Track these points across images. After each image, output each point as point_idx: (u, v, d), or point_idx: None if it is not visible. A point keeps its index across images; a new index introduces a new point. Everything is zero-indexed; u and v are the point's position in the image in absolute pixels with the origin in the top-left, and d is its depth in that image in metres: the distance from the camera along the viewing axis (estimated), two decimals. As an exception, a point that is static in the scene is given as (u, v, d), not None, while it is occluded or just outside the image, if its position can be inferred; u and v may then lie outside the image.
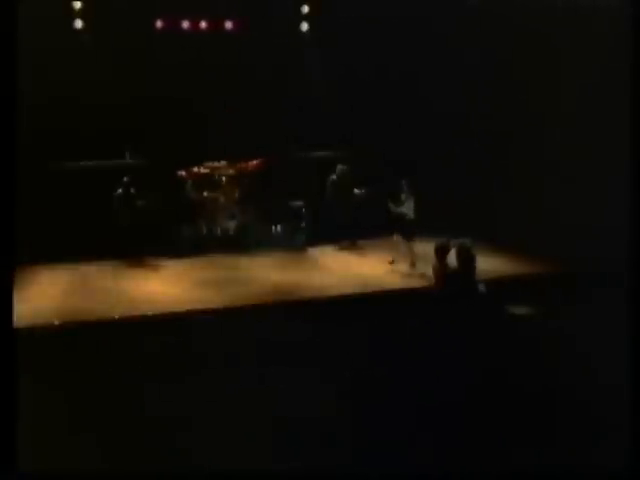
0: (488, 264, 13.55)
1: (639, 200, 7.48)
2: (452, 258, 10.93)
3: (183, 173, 16.25)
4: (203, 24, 16.17)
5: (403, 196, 14.21)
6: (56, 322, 11.52)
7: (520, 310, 10.88)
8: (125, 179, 14.93)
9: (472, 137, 16.15)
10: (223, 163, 16.47)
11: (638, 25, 7.76)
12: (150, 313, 11.85)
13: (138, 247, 15.11)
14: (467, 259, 12.71)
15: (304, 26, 17.02)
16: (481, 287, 11.26)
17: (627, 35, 7.89)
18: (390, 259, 14.69)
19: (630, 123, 7.70)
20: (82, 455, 6.55)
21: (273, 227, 16.63)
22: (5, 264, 6.14)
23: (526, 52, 14.68)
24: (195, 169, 16.29)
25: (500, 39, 15.01)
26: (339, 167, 15.95)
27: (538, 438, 7.13)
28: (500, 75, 15.39)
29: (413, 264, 14.22)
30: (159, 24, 15.89)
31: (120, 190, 14.90)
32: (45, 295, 13.00)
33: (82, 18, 15.48)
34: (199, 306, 12.31)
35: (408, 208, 14.14)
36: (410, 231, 14.20)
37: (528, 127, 15.30)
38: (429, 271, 13.41)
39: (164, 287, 13.60)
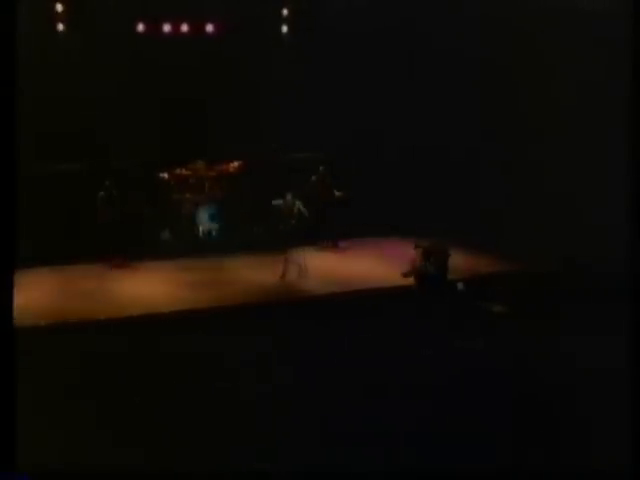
0: (467, 263, 13.90)
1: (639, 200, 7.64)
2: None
3: (165, 175, 16.35)
4: (184, 27, 16.19)
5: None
6: (42, 323, 11.62)
7: (497, 308, 11.10)
8: (107, 182, 14.98)
9: (464, 137, 16.28)
10: (204, 165, 16.58)
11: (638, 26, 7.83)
12: (136, 314, 11.96)
13: (122, 249, 15.18)
14: (444, 260, 13.04)
15: (284, 29, 17.13)
16: (460, 286, 11.52)
17: (627, 37, 7.99)
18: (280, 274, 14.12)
19: (630, 123, 7.83)
20: (81, 455, 6.61)
21: (255, 228, 16.75)
22: (5, 266, 6.20)
23: (526, 54, 14.84)
24: (177, 171, 16.40)
25: (496, 42, 15.18)
26: (320, 169, 16.09)
27: (537, 438, 7.24)
28: (494, 75, 15.56)
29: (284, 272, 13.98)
30: (140, 27, 15.90)
31: (103, 193, 14.94)
32: (33, 298, 12.86)
33: (64, 21, 15.46)
34: (183, 307, 12.44)
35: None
36: (294, 240, 14.04)
37: (525, 127, 15.45)
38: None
39: (148, 288, 13.69)
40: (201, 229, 16.50)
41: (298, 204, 14.30)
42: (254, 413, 7.96)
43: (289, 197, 14.33)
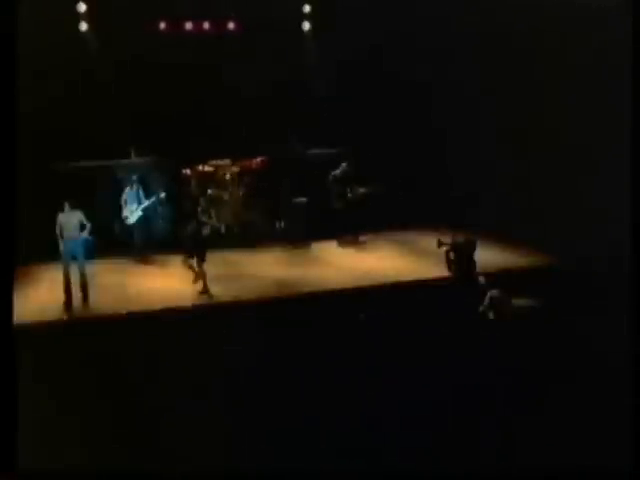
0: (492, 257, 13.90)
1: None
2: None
3: (188, 171, 16.49)
4: (206, 25, 16.32)
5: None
6: (65, 317, 11.86)
7: (521, 302, 11.05)
8: (133, 178, 15.22)
9: (474, 133, 16.24)
10: (227, 161, 16.69)
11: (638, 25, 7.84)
12: (157, 308, 12.11)
13: (147, 244, 15.44)
14: (471, 253, 13.17)
15: (306, 25, 17.19)
16: (481, 279, 11.53)
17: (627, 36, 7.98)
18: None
19: (632, 122, 7.82)
20: (82, 454, 6.65)
21: (277, 223, 16.84)
22: (5, 263, 6.33)
23: (528, 52, 14.77)
24: (199, 167, 16.52)
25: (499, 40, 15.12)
26: (342, 164, 16.16)
27: (538, 438, 7.24)
28: (501, 73, 15.45)
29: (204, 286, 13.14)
30: (162, 25, 16.05)
31: (127, 189, 15.18)
32: (53, 293, 13.01)
33: (87, 20, 15.66)
34: (204, 301, 12.61)
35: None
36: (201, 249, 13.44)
37: (530, 124, 15.30)
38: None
39: (170, 283, 13.78)
40: (223, 225, 16.60)
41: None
42: (271, 411, 8.00)
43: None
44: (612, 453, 6.68)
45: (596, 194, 13.31)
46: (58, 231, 12.55)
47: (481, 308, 10.78)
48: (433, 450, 7.06)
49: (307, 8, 17.10)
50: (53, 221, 12.60)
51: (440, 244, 13.58)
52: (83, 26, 15.64)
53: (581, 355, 8.85)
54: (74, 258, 12.68)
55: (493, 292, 10.73)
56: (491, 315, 10.71)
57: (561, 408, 7.80)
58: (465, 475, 6.83)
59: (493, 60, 15.34)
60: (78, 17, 15.59)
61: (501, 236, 14.95)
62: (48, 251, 13.33)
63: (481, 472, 6.79)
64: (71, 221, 12.61)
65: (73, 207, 12.65)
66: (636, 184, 7.44)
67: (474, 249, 13.24)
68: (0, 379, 5.78)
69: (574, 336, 9.42)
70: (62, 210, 12.62)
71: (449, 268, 13.39)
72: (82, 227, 12.67)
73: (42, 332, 10.56)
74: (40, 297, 12.92)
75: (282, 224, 16.78)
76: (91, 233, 12.80)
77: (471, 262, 13.14)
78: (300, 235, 16.43)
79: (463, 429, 7.43)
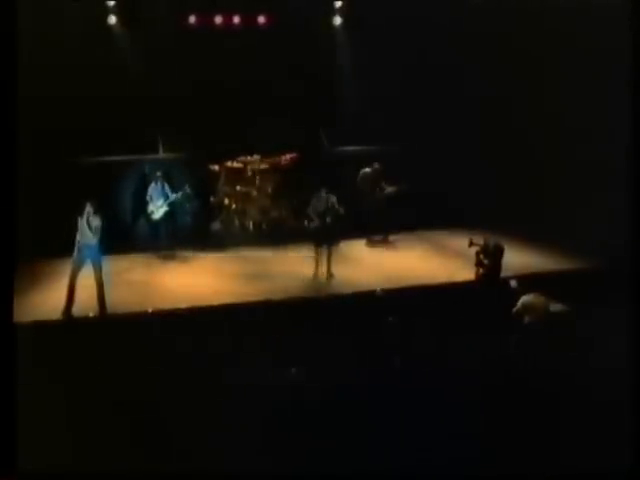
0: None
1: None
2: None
3: (216, 167, 16.39)
4: (236, 19, 16.23)
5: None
6: (91, 314, 11.76)
7: (556, 307, 10.77)
8: (158, 173, 15.13)
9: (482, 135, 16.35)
10: (256, 157, 16.55)
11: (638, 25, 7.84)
12: (183, 306, 11.89)
13: (171, 240, 15.32)
14: (499, 256, 12.98)
15: (337, 20, 17.00)
16: (513, 283, 11.26)
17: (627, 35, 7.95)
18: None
19: (632, 122, 7.72)
20: (83, 456, 6.60)
21: (305, 222, 16.66)
22: (6, 259, 6.25)
23: (529, 50, 14.97)
24: (228, 163, 16.41)
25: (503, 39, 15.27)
26: (374, 164, 16.02)
27: (539, 438, 7.17)
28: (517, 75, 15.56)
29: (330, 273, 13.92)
30: (192, 19, 15.98)
31: (152, 184, 15.10)
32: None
33: (116, 14, 15.63)
34: (231, 300, 12.41)
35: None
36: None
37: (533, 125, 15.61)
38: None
39: (196, 280, 13.73)
40: (252, 222, 16.47)
41: (333, 200, 14.07)
42: (293, 412, 7.88)
43: (323, 193, 14.13)
44: (612, 454, 6.62)
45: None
46: (79, 237, 11.77)
47: (513, 312, 10.46)
48: (433, 448, 6.98)
49: (339, 3, 16.89)
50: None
51: (471, 244, 13.36)
52: (112, 20, 15.58)
53: (581, 355, 8.71)
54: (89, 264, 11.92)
55: (526, 297, 10.39)
56: (526, 320, 10.39)
57: (561, 408, 7.71)
58: (466, 476, 6.80)
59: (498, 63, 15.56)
60: (107, 11, 15.53)
61: (533, 238, 14.82)
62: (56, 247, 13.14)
63: (481, 473, 6.73)
64: (90, 225, 11.76)
65: (95, 210, 11.78)
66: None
67: (502, 253, 13.00)
68: (0, 379, 5.73)
69: (574, 336, 9.31)
70: (81, 212, 11.77)
71: (477, 269, 13.16)
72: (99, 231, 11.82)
73: (43, 332, 10.42)
74: (44, 296, 12.69)
75: (311, 222, 16.59)
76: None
77: (498, 266, 12.91)
78: (329, 233, 16.20)
79: (465, 429, 7.32)
